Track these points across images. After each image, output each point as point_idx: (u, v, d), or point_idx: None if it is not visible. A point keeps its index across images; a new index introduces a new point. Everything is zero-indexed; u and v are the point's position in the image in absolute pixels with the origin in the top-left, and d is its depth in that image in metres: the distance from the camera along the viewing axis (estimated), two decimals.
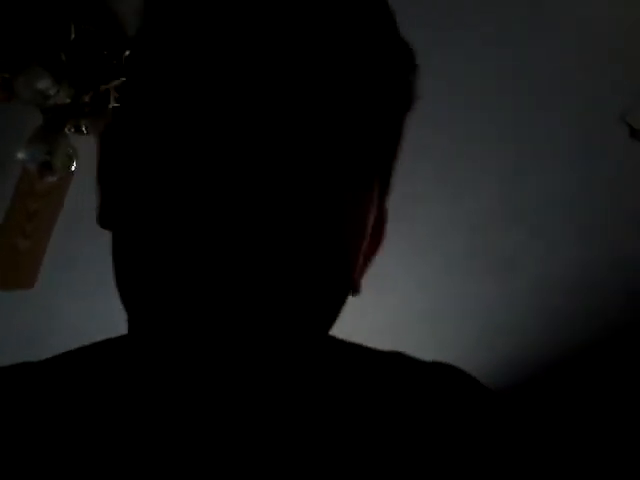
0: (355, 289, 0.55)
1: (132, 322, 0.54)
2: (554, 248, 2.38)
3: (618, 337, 2.74)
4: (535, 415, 0.60)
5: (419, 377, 0.59)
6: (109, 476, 0.51)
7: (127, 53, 1.52)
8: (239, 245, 0.45)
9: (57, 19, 1.54)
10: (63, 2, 1.53)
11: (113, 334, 0.59)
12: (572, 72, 1.84)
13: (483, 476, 0.54)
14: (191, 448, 0.52)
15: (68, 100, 1.56)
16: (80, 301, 2.35)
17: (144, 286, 0.48)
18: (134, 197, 0.50)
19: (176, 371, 0.50)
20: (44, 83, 1.51)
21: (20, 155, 1.59)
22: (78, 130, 1.65)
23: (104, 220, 0.54)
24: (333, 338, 0.59)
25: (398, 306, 2.58)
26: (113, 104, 1.59)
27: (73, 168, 1.65)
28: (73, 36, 1.53)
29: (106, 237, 0.53)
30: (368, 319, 2.45)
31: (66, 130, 1.62)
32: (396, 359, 0.61)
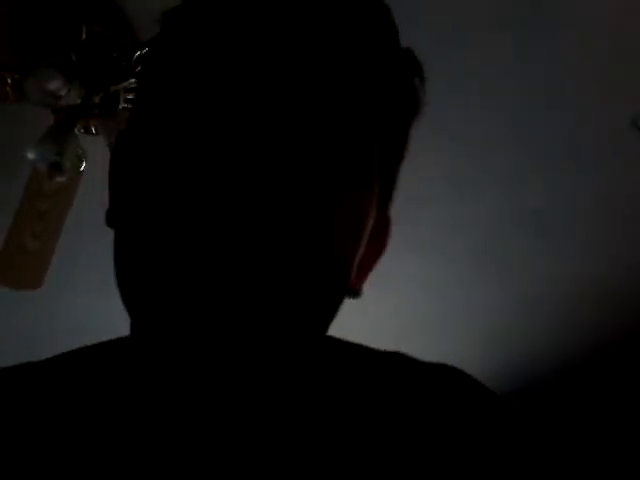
0: (356, 292, 0.56)
1: (133, 323, 0.54)
2: (560, 251, 2.37)
3: (625, 344, 2.73)
4: (539, 419, 0.60)
5: (419, 378, 0.59)
6: (110, 476, 0.51)
7: (137, 55, 1.52)
8: (237, 245, 0.46)
9: (68, 20, 1.55)
10: (74, 3, 1.54)
11: (116, 333, 0.59)
12: (579, 73, 1.84)
13: (483, 478, 0.54)
14: (191, 447, 0.52)
15: (78, 101, 1.57)
16: (83, 300, 2.36)
17: (144, 287, 0.49)
18: (136, 198, 0.51)
19: (176, 372, 0.50)
20: (55, 84, 1.52)
21: (30, 155, 1.60)
22: (88, 131, 1.66)
23: (111, 221, 0.55)
24: (333, 338, 0.59)
25: (403, 309, 2.59)
26: (122, 105, 1.60)
27: (82, 169, 1.66)
28: (84, 37, 1.54)
29: (109, 236, 0.53)
30: (372, 322, 2.45)
31: (76, 131, 1.63)
32: (396, 359, 0.61)
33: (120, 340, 0.59)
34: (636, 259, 2.41)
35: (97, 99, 1.58)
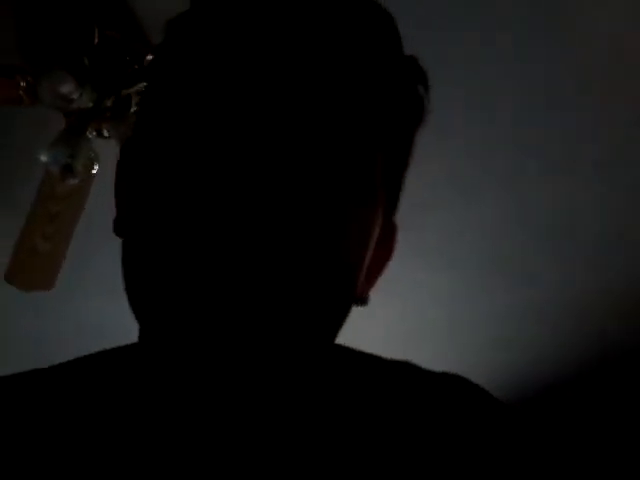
0: (363, 300, 0.56)
1: (142, 330, 0.55)
2: (569, 256, 2.36)
3: (631, 352, 2.72)
4: (545, 427, 0.60)
5: (426, 387, 0.59)
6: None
7: (149, 58, 1.54)
8: (245, 252, 0.46)
9: (81, 24, 1.56)
10: (87, 7, 1.56)
11: (126, 336, 0.60)
12: (579, 73, 1.84)
13: None
14: (198, 454, 0.52)
15: (90, 104, 1.59)
16: (94, 303, 2.35)
17: (152, 294, 0.50)
18: (144, 206, 0.51)
19: (184, 378, 0.51)
20: (67, 87, 1.53)
21: (43, 158, 1.61)
22: (100, 134, 1.67)
23: (120, 229, 0.55)
24: (340, 346, 0.60)
25: (409, 315, 2.57)
26: (134, 109, 1.61)
27: (94, 171, 1.67)
28: (96, 41, 1.55)
29: (120, 240, 0.54)
30: (378, 328, 2.43)
31: (88, 134, 1.64)
32: (403, 368, 0.61)
33: (128, 347, 0.59)
34: None
35: (109, 102, 1.59)
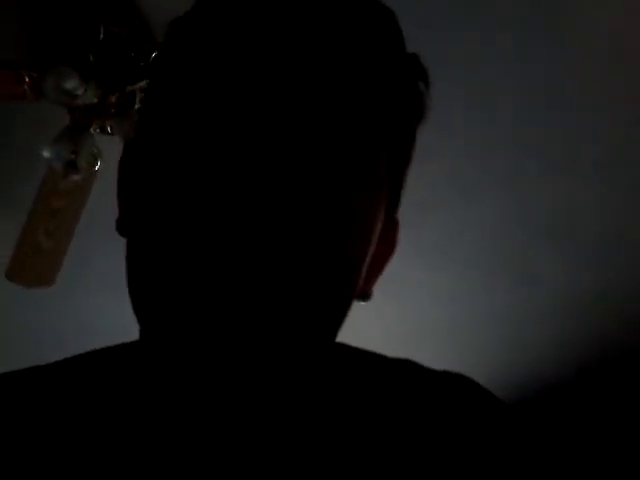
0: (366, 295, 0.56)
1: (142, 329, 0.55)
2: (570, 257, 2.36)
3: (631, 354, 2.71)
4: (545, 427, 0.60)
5: (428, 385, 0.60)
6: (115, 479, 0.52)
7: (154, 55, 1.55)
8: (247, 248, 0.47)
9: (86, 20, 1.57)
10: (92, 3, 1.56)
11: (127, 334, 0.60)
12: (579, 73, 1.85)
13: None
14: (197, 454, 0.52)
15: (95, 101, 1.59)
16: (95, 300, 2.34)
17: (155, 293, 0.50)
18: (146, 205, 0.51)
19: (184, 377, 0.51)
20: (72, 83, 1.54)
21: (46, 154, 1.62)
22: (103, 131, 1.67)
23: (122, 229, 0.56)
24: (341, 344, 0.60)
25: (409, 315, 2.57)
26: (138, 106, 1.62)
27: (97, 168, 1.68)
28: (101, 37, 1.56)
29: (122, 237, 0.55)
30: (378, 327, 2.44)
31: (92, 130, 1.65)
32: (404, 366, 0.61)
33: (128, 345, 0.59)
34: None
35: (113, 99, 1.60)
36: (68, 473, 0.52)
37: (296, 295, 0.48)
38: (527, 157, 2.06)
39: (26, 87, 1.53)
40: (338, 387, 0.57)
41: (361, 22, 0.52)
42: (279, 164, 0.47)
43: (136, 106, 1.62)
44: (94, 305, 2.37)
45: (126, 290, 0.52)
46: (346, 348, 0.61)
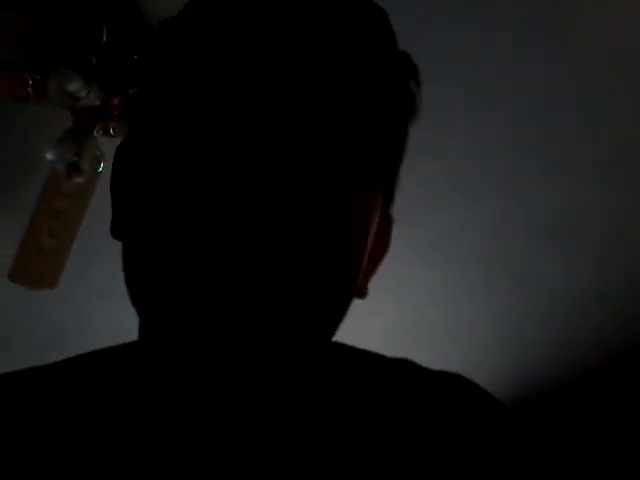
0: (362, 292, 0.56)
1: (142, 329, 0.55)
2: (570, 257, 2.36)
3: (632, 354, 2.72)
4: (544, 428, 0.61)
5: (425, 385, 0.60)
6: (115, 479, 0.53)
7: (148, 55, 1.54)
8: (245, 247, 0.47)
9: (89, 22, 1.57)
10: (95, 5, 1.57)
11: (128, 335, 0.60)
12: (579, 73, 1.85)
13: None
14: (197, 454, 0.52)
15: (98, 103, 1.59)
16: (96, 301, 2.34)
17: (153, 294, 0.50)
18: (141, 207, 0.51)
19: (183, 376, 0.51)
20: (75, 85, 1.54)
21: (49, 155, 1.62)
22: (106, 133, 1.67)
23: (116, 231, 0.56)
24: (339, 344, 0.60)
25: (407, 313, 2.57)
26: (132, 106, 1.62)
27: (100, 170, 1.68)
28: (104, 39, 1.56)
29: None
30: (376, 326, 2.44)
31: (94, 132, 1.65)
32: (402, 366, 0.62)
33: (128, 345, 0.59)
34: None
35: (116, 101, 1.60)
36: (68, 473, 0.52)
37: (295, 295, 0.48)
38: (527, 157, 2.06)
39: (29, 89, 1.53)
40: (336, 386, 0.58)
41: (353, 21, 0.52)
42: (278, 163, 0.47)
43: None
44: (95, 306, 2.37)
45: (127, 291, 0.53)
46: (343, 347, 0.61)
